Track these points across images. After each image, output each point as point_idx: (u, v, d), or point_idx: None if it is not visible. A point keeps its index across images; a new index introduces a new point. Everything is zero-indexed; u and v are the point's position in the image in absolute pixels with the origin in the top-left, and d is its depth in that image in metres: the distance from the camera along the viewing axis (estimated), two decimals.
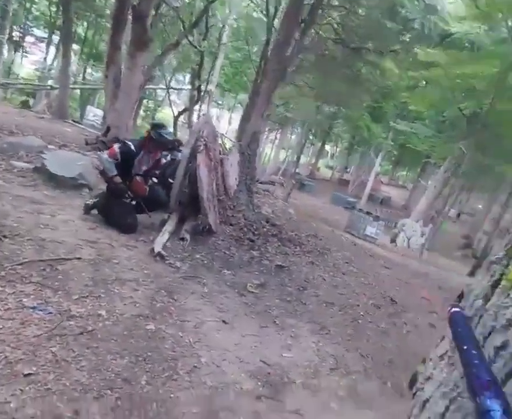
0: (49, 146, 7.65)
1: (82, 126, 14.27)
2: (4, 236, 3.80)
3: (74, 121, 15.03)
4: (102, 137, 9.05)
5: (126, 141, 4.97)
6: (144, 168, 5.06)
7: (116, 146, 4.84)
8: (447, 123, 18.67)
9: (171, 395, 2.63)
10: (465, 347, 0.65)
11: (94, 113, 21.29)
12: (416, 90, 13.75)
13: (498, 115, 10.42)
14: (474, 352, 0.63)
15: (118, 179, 4.84)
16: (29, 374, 2.40)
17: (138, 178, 5.01)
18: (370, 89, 11.36)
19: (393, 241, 15.93)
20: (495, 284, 0.74)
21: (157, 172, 5.31)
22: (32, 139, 7.74)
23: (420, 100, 14.71)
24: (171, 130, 5.29)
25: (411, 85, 12.73)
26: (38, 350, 2.61)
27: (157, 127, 5.05)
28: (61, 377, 2.47)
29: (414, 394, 0.93)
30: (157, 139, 4.90)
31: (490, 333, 0.70)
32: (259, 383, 3.05)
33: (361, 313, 4.89)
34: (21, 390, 2.28)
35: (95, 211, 5.10)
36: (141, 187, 5.08)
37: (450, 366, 0.79)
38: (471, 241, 20.83)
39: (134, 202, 5.07)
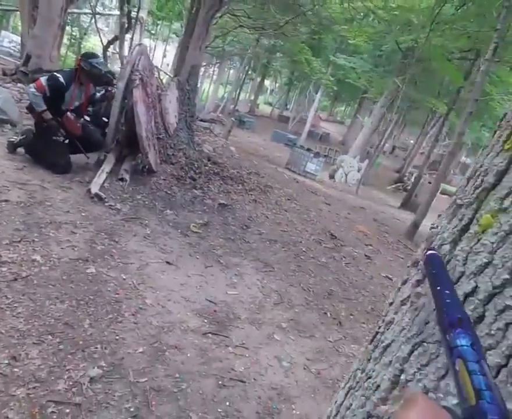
0: None
1: None
2: None
3: None
4: (22, 67, 8.12)
5: (54, 73, 4.46)
6: (76, 104, 4.63)
7: (43, 79, 4.35)
8: (383, 58, 18.97)
9: (117, 337, 2.61)
10: (438, 288, 0.66)
11: (10, 39, 19.02)
12: (354, 23, 13.68)
13: (432, 50, 10.72)
14: (447, 292, 0.64)
15: (48, 115, 4.40)
16: None
17: (69, 114, 4.58)
18: (310, 20, 11.10)
19: (332, 177, 16.48)
20: (464, 229, 0.74)
21: (89, 109, 4.90)
22: None
23: (358, 33, 14.70)
24: (102, 60, 4.80)
25: (349, 18, 12.58)
26: None
27: (88, 56, 4.61)
28: None
29: (373, 337, 0.95)
30: (89, 71, 4.49)
31: (459, 279, 0.71)
32: (205, 321, 3.11)
33: (303, 249, 5.08)
34: None
35: (21, 150, 4.65)
36: (74, 124, 4.65)
37: (413, 312, 0.80)
38: (402, 175, 22.11)
39: (67, 141, 4.66)
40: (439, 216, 0.88)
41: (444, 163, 9.32)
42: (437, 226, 0.85)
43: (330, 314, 3.85)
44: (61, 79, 4.38)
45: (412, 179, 18.20)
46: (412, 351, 0.76)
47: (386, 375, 0.81)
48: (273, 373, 2.80)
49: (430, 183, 15.17)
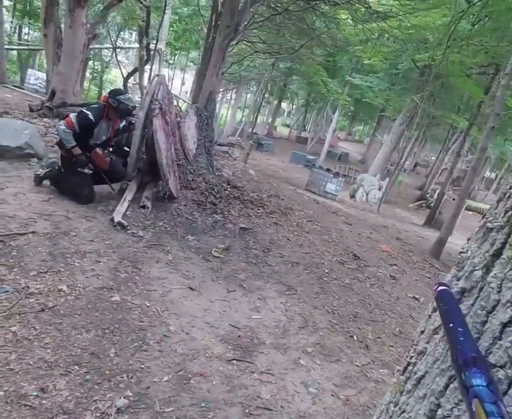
0: None
1: (24, 91, 13.25)
2: None
3: (15, 86, 13.92)
4: (48, 103, 8.44)
5: (84, 110, 4.59)
6: (103, 138, 4.77)
7: (72, 116, 4.48)
8: (400, 76, 18.97)
9: (142, 366, 2.61)
10: (451, 325, 0.64)
11: (36, 76, 19.83)
12: (369, 43, 13.74)
13: (450, 66, 10.64)
14: (460, 329, 0.62)
15: (77, 150, 4.53)
16: None
17: (98, 150, 4.72)
18: (325, 43, 11.23)
19: (352, 196, 16.34)
20: (496, 254, 0.70)
21: (112, 141, 5.03)
22: None
23: (373, 53, 14.76)
24: (129, 95, 4.94)
25: (364, 39, 12.66)
26: None
27: (116, 93, 4.73)
28: (24, 356, 2.38)
29: (405, 368, 0.92)
30: (116, 107, 4.62)
31: (494, 307, 0.67)
32: (230, 347, 3.07)
33: (326, 270, 5.01)
34: None
35: (46, 182, 4.80)
36: (102, 159, 4.79)
37: (446, 342, 0.77)
38: (425, 192, 21.73)
39: (91, 172, 4.80)
40: (469, 239, 0.85)
41: (467, 178, 9.12)
42: (467, 250, 0.82)
43: (357, 337, 3.76)
44: (91, 116, 4.50)
45: (435, 196, 17.87)
46: (448, 385, 0.72)
47: (421, 409, 0.77)
48: (301, 400, 2.74)
49: (454, 199, 14.84)
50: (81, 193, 4.61)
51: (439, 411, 0.73)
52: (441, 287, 0.74)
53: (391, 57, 16.11)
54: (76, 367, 2.42)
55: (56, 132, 4.65)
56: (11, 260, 3.22)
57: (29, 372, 2.29)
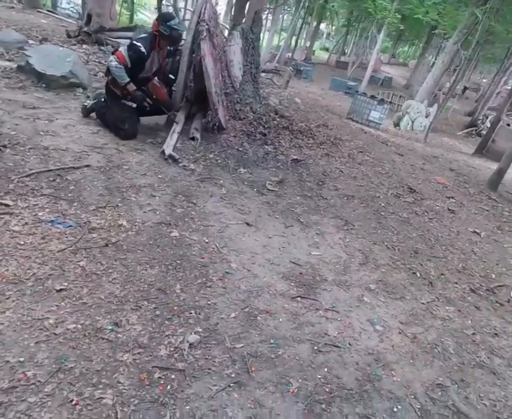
0: (30, 41, 6.92)
1: (58, 16, 12.92)
2: (4, 146, 3.51)
3: (49, 11, 13.57)
4: (85, 27, 8.16)
5: (134, 42, 4.23)
6: (154, 69, 4.48)
7: (122, 49, 4.17)
8: None
9: (208, 302, 2.60)
10: None
11: (68, 0, 19.29)
12: None
13: None
14: None
15: (132, 86, 4.28)
16: (61, 289, 2.34)
17: (156, 81, 4.45)
18: None
19: (397, 124, 15.50)
20: None
21: (162, 70, 4.70)
22: (8, 33, 6.97)
23: None
24: (180, 19, 4.47)
25: None
26: (66, 265, 2.52)
27: (166, 19, 4.29)
28: (95, 290, 2.41)
29: None
30: (169, 35, 4.24)
31: None
32: (292, 284, 3.02)
33: (382, 204, 4.80)
34: (56, 305, 2.23)
35: (94, 114, 4.68)
36: (161, 90, 4.53)
37: None
38: (475, 118, 20.28)
39: (134, 105, 4.54)
40: None
41: None
42: None
43: (419, 274, 3.62)
44: (143, 48, 4.16)
45: (487, 122, 16.66)
46: None
47: None
48: (368, 338, 2.68)
49: (508, 125, 13.77)
50: (123, 127, 4.40)
51: None
52: None
53: None
54: (145, 302, 2.43)
55: (107, 72, 4.32)
56: (70, 194, 3.22)
57: (101, 306, 2.31)
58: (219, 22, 5.39)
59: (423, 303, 3.23)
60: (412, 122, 15.24)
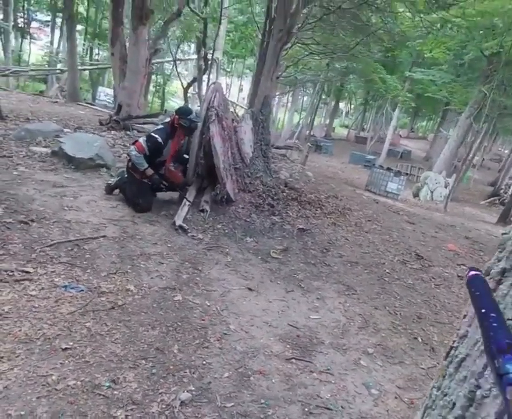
0: (65, 130, 7.72)
1: (95, 107, 14.30)
2: (32, 220, 3.90)
3: (87, 103, 15.05)
4: (115, 116, 9.04)
5: (152, 134, 4.84)
6: (170, 154, 5.02)
7: (142, 140, 4.76)
8: (466, 66, 17.85)
9: (204, 362, 2.71)
10: (483, 311, 0.62)
11: (105, 93, 21.31)
12: (430, 35, 13.03)
13: None
14: (493, 315, 0.61)
15: (150, 171, 4.82)
16: (67, 348, 2.53)
17: (171, 166, 5.04)
18: (382, 38, 10.86)
19: (416, 195, 15.65)
20: None
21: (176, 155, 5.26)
22: (48, 124, 7.80)
23: (435, 45, 13.98)
24: (196, 112, 5.09)
25: (424, 31, 12.00)
26: (74, 326, 2.73)
27: (186, 113, 4.91)
28: (98, 350, 2.58)
29: (448, 352, 0.90)
30: (188, 127, 4.85)
31: None
32: (288, 346, 3.09)
33: (387, 270, 4.86)
34: (61, 363, 2.40)
35: (116, 191, 5.14)
36: (176, 174, 5.12)
37: None
38: (498, 188, 20.19)
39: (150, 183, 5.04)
40: None
41: None
42: (510, 231, 0.80)
43: (421, 339, 3.61)
44: (160, 139, 4.73)
45: (510, 191, 16.58)
46: (486, 365, 0.71)
47: (462, 391, 0.77)
48: (362, 402, 2.68)
49: None
50: (138, 202, 4.84)
51: (478, 392, 0.72)
52: (472, 272, 0.73)
53: (455, 48, 15.22)
54: (143, 361, 2.58)
55: (128, 157, 4.91)
56: (85, 262, 3.51)
57: (102, 364, 2.47)
58: (229, 107, 5.93)
59: (423, 368, 3.21)
60: (432, 192, 15.36)
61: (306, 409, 2.50)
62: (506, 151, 33.66)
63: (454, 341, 0.88)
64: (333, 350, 3.17)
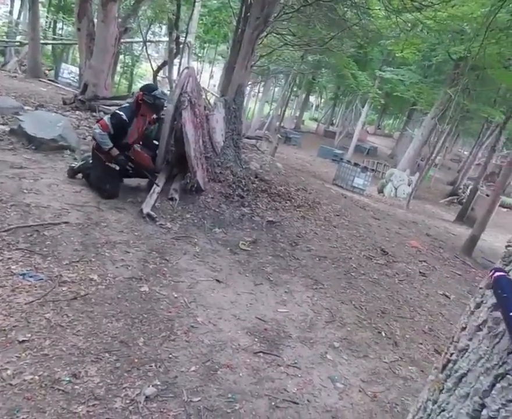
0: (25, 107, 7.32)
1: (58, 85, 13.62)
2: None
3: (49, 80, 14.33)
4: (80, 96, 8.65)
5: (117, 111, 4.62)
6: (136, 136, 4.81)
7: (106, 118, 4.54)
8: (433, 68, 18.42)
9: (170, 355, 2.64)
10: (511, 314, 0.59)
11: (69, 70, 20.42)
12: (401, 35, 13.34)
13: (487, 58, 10.24)
14: None
15: (115, 151, 4.58)
16: (24, 341, 2.39)
17: (137, 147, 4.78)
18: (357, 34, 10.97)
19: (381, 191, 16.04)
20: None
21: (142, 137, 5.05)
22: (5, 99, 7.36)
23: (406, 45, 14.31)
24: (163, 89, 4.90)
25: (397, 31, 12.25)
26: (32, 317, 2.59)
27: (150, 89, 4.71)
28: (58, 342, 2.46)
29: (445, 365, 0.87)
30: (152, 103, 4.62)
31: None
32: (256, 339, 3.08)
33: (354, 265, 4.94)
34: (17, 356, 2.27)
35: (80, 175, 4.91)
36: (143, 155, 4.85)
37: (492, 339, 0.72)
38: (457, 187, 21.06)
39: (118, 167, 4.82)
40: None
41: (503, 174, 8.80)
42: None
43: (385, 333, 3.69)
44: (124, 117, 4.52)
45: (468, 192, 17.31)
46: (494, 384, 0.68)
47: (463, 408, 0.74)
48: (327, 395, 2.71)
49: (487, 195, 14.33)
50: (105, 187, 4.62)
51: (484, 412, 0.69)
52: (498, 273, 0.69)
53: (424, 50, 15.62)
54: (107, 355, 2.48)
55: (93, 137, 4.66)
56: (45, 249, 3.33)
57: (62, 358, 2.36)
58: (202, 94, 5.80)
59: (386, 362, 3.28)
60: (396, 189, 15.79)
61: (273, 403, 2.50)
62: (466, 152, 35.10)
63: (451, 354, 0.86)
64: (300, 344, 3.18)
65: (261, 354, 2.93)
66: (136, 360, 2.51)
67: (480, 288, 0.83)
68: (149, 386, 2.33)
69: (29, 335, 2.44)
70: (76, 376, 2.27)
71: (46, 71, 17.89)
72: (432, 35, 13.52)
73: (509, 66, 13.04)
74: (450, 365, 0.84)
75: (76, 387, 2.20)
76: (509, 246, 0.79)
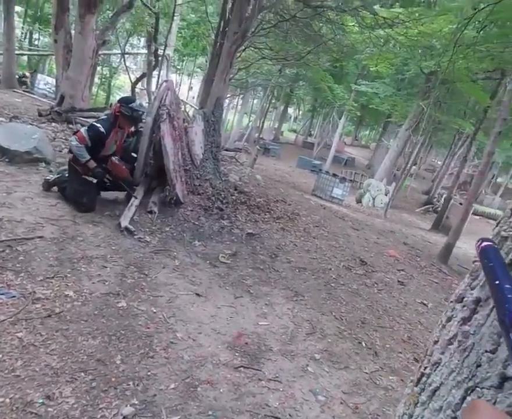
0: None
1: (33, 95, 13.36)
2: None
3: (25, 91, 14.04)
4: (56, 107, 8.49)
5: (94, 123, 4.57)
6: (114, 148, 4.75)
7: (83, 130, 4.47)
8: (406, 81, 18.98)
9: (148, 373, 2.58)
10: (497, 282, 0.59)
11: (45, 81, 20.03)
12: (375, 50, 13.78)
13: (456, 72, 10.66)
14: (508, 286, 0.58)
15: (92, 163, 4.51)
16: None
17: (114, 159, 4.70)
18: (332, 49, 11.25)
19: (359, 201, 16.26)
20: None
21: (121, 149, 4.98)
22: None
23: (380, 60, 14.74)
24: (141, 102, 4.86)
25: (370, 46, 12.64)
26: (2, 336, 2.49)
27: (128, 101, 4.68)
28: (30, 362, 2.37)
29: (419, 379, 0.88)
30: (130, 115, 4.58)
31: None
32: (237, 354, 3.04)
33: (333, 276, 4.97)
34: None
35: (55, 188, 4.79)
36: (121, 167, 4.75)
37: (462, 352, 0.73)
38: (432, 196, 21.58)
39: (95, 180, 4.74)
40: None
41: (474, 183, 9.06)
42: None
43: (365, 344, 3.71)
44: (102, 129, 4.47)
45: (442, 200, 17.74)
46: (465, 397, 0.69)
47: None
48: (309, 409, 2.70)
49: (461, 203, 14.72)
50: (81, 201, 4.53)
51: None
52: (485, 243, 0.69)
53: (397, 64, 16.10)
54: (82, 374, 2.41)
55: (69, 149, 4.57)
56: (18, 265, 3.23)
57: (35, 379, 2.28)
58: (180, 107, 5.78)
59: (366, 373, 3.29)
60: (373, 199, 16.03)
61: None
62: (439, 162, 36.09)
63: (425, 368, 0.86)
64: (281, 357, 3.16)
65: (242, 368, 2.89)
66: (113, 379, 2.44)
67: (451, 302, 0.84)
68: (126, 406, 2.27)
69: (0, 355, 2.34)
70: (50, 397, 2.18)
71: (28, 74, 17.70)
72: (404, 50, 13.96)
73: (477, 80, 13.57)
74: (424, 378, 0.85)
75: (50, 409, 2.12)
76: (476, 261, 0.80)
